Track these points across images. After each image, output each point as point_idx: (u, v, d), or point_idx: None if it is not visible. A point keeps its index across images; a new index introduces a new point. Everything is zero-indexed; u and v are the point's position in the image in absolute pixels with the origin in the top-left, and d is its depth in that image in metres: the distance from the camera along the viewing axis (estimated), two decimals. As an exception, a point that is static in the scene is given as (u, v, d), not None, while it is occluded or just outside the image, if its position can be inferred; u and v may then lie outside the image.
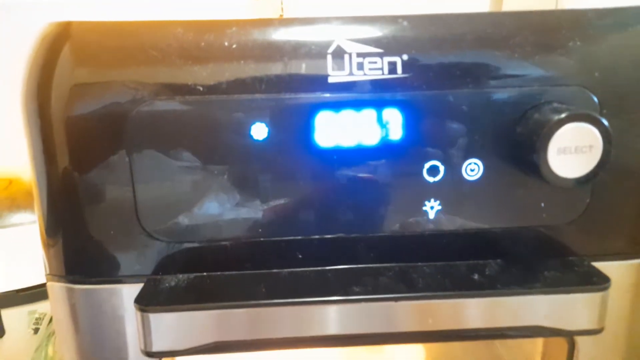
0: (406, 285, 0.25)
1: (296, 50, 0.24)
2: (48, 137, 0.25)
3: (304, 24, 0.25)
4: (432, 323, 0.25)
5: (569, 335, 0.29)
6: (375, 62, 0.24)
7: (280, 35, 0.24)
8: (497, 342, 0.41)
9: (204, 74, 0.24)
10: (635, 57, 0.25)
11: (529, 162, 0.24)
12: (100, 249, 0.26)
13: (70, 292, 0.27)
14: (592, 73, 0.25)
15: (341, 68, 0.24)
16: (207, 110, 0.24)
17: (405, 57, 0.24)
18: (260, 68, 0.24)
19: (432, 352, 0.44)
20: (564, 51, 0.25)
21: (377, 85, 0.24)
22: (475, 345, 0.43)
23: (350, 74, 0.24)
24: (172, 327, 0.24)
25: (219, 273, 0.27)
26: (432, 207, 0.26)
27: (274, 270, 0.27)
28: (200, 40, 0.24)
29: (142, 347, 0.25)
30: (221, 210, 0.25)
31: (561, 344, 0.30)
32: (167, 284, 0.26)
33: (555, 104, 0.24)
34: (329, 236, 0.26)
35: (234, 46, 0.24)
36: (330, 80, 0.24)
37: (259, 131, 0.25)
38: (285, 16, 0.59)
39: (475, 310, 0.25)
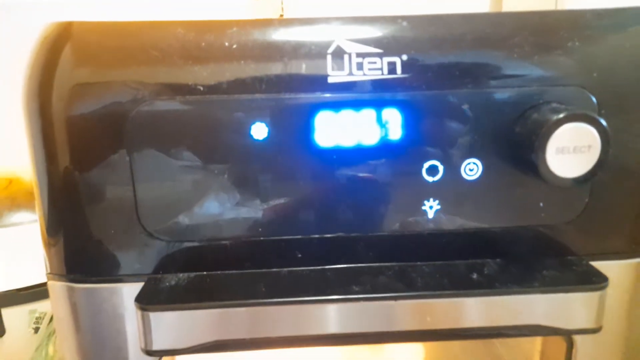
0: (405, 285, 0.25)
1: (296, 50, 0.24)
2: (49, 136, 0.25)
3: (303, 24, 0.25)
4: (431, 322, 0.25)
5: (567, 334, 0.29)
6: (375, 62, 0.24)
7: (280, 35, 0.25)
8: (497, 342, 0.41)
9: (204, 74, 0.24)
10: (634, 58, 0.25)
11: (528, 162, 0.24)
12: (100, 248, 0.26)
13: (71, 291, 0.27)
14: (590, 73, 0.25)
15: (341, 68, 0.24)
16: (207, 110, 0.24)
17: (404, 57, 0.24)
18: (260, 68, 0.24)
19: (432, 351, 0.44)
20: (563, 51, 0.25)
21: (377, 85, 0.24)
22: (475, 345, 0.43)
23: (350, 74, 0.24)
24: (173, 325, 0.24)
25: (219, 272, 0.27)
26: (431, 207, 0.26)
27: (274, 270, 0.27)
28: (200, 40, 0.24)
29: (143, 346, 0.25)
30: (221, 209, 0.25)
31: (560, 343, 0.31)
32: (167, 283, 0.26)
33: (554, 104, 0.24)
34: (328, 235, 0.26)
35: (235, 46, 0.24)
36: (330, 80, 0.24)
37: (259, 131, 0.25)
38: (285, 16, 0.60)
39: (474, 310, 0.25)
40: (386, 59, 0.24)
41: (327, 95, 0.24)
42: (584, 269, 0.27)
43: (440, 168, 0.26)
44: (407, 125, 0.25)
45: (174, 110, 0.24)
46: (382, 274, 0.26)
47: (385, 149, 0.25)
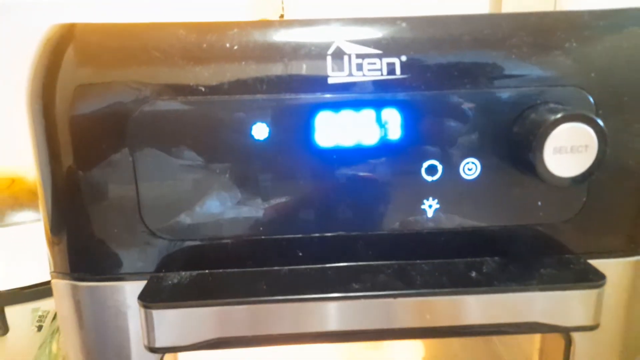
0: (405, 283, 0.26)
1: (296, 51, 0.25)
2: (52, 136, 0.25)
3: (303, 26, 0.25)
4: (430, 319, 0.25)
5: (565, 332, 0.29)
6: (374, 63, 0.25)
7: (280, 36, 0.25)
8: (496, 339, 0.42)
9: (205, 75, 0.24)
10: (631, 58, 0.25)
11: (526, 162, 0.24)
12: (104, 247, 0.26)
13: (74, 289, 0.27)
14: (588, 74, 0.25)
15: (341, 69, 0.25)
16: (208, 110, 0.25)
17: (403, 58, 0.25)
18: (261, 69, 0.24)
19: (431, 349, 0.44)
20: (561, 52, 0.25)
21: (376, 85, 0.25)
22: (474, 343, 0.43)
23: (350, 74, 0.25)
24: (175, 323, 0.25)
25: (220, 270, 0.27)
26: (430, 206, 0.26)
27: (275, 268, 0.27)
28: (202, 41, 0.24)
29: (146, 343, 0.25)
30: (223, 208, 0.26)
31: (558, 340, 0.31)
32: (169, 281, 0.26)
33: (551, 104, 0.24)
34: (329, 234, 0.27)
35: (236, 47, 0.24)
36: (330, 81, 0.25)
37: (260, 131, 0.25)
38: (285, 16, 0.60)
39: (472, 307, 0.25)
40: (385, 60, 0.25)
41: (327, 95, 0.25)
42: (581, 267, 0.27)
43: (439, 168, 0.26)
44: (407, 125, 0.25)
45: (175, 110, 0.25)
46: (382, 272, 0.27)
47: (384, 148, 0.25)
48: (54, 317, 0.50)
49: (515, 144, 0.25)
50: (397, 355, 0.44)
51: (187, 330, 0.25)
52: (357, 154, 0.25)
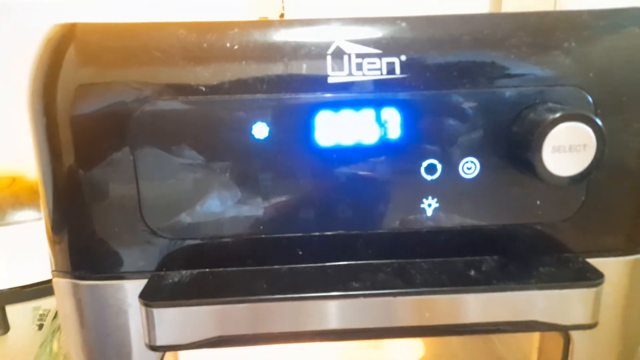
0: (404, 281, 0.26)
1: (296, 51, 0.25)
2: (54, 136, 0.25)
3: (303, 25, 0.25)
4: (430, 318, 0.25)
5: (564, 330, 0.29)
6: (374, 63, 0.25)
7: (280, 36, 0.25)
8: (495, 338, 0.42)
9: (206, 75, 0.24)
10: (630, 58, 0.26)
11: (525, 161, 0.24)
12: (105, 246, 0.26)
13: (75, 288, 0.27)
14: (587, 73, 0.25)
15: (341, 68, 0.25)
16: (209, 110, 0.25)
17: (403, 57, 0.25)
18: (261, 68, 0.25)
19: (431, 348, 0.45)
20: (560, 52, 0.25)
21: (376, 85, 0.25)
22: (473, 342, 0.43)
23: (350, 74, 0.25)
24: (176, 321, 0.25)
25: (221, 269, 0.27)
26: (429, 205, 0.27)
27: (275, 267, 0.27)
28: (202, 41, 0.25)
29: (147, 342, 0.25)
30: (223, 207, 0.26)
31: (557, 339, 0.31)
32: (170, 280, 0.26)
33: (550, 104, 0.24)
34: (328, 233, 0.27)
35: (236, 47, 0.25)
36: (330, 80, 0.25)
37: (260, 130, 0.25)
38: (286, 15, 0.60)
39: (471, 306, 0.26)
40: (385, 60, 0.25)
41: (327, 95, 0.25)
42: (580, 266, 0.27)
43: (439, 167, 0.26)
44: (406, 124, 0.25)
45: (176, 110, 0.25)
46: (381, 271, 0.27)
47: (384, 148, 0.26)
48: (55, 316, 0.50)
49: (514, 144, 0.25)
50: (396, 354, 0.44)
51: (187, 329, 0.25)
52: (356, 153, 0.26)
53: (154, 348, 0.25)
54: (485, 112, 0.25)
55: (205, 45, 0.25)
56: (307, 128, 0.25)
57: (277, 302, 0.25)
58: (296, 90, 0.25)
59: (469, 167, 0.26)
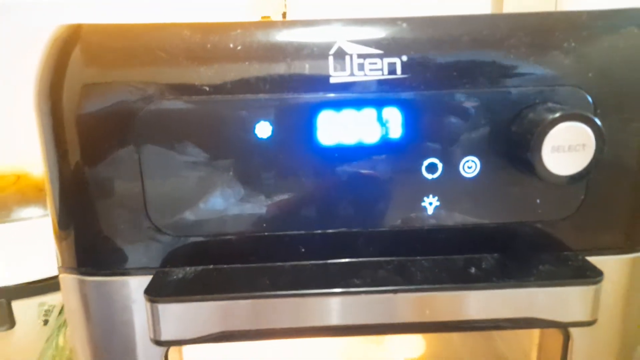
0: (405, 278, 0.26)
1: (299, 51, 0.25)
2: (60, 135, 0.25)
3: (306, 26, 0.25)
4: (430, 314, 0.26)
5: (563, 327, 0.29)
6: (376, 63, 0.25)
7: (283, 37, 0.25)
8: (495, 335, 0.42)
9: (210, 75, 0.25)
10: (629, 58, 0.26)
11: (524, 160, 0.24)
12: (110, 243, 0.27)
13: (81, 283, 0.28)
14: (586, 74, 0.25)
15: (342, 69, 0.25)
16: (213, 109, 0.25)
17: (404, 58, 0.25)
18: (264, 69, 0.25)
19: (432, 345, 0.45)
20: (559, 52, 0.25)
21: (377, 85, 0.25)
22: (474, 338, 0.44)
23: (351, 74, 0.25)
24: (180, 317, 0.25)
25: (224, 266, 0.27)
26: (430, 203, 0.27)
27: (278, 264, 0.27)
28: (206, 41, 0.25)
29: (152, 336, 0.26)
30: (227, 205, 0.26)
31: (556, 336, 0.31)
32: (175, 276, 0.27)
33: (549, 104, 0.25)
34: (330, 231, 0.27)
35: (239, 47, 0.25)
36: (332, 80, 0.25)
37: (263, 130, 0.25)
38: (288, 14, 0.60)
39: (471, 303, 0.26)
40: (386, 60, 0.25)
41: (329, 95, 0.25)
42: (579, 264, 0.27)
43: (440, 166, 0.26)
44: (407, 124, 0.26)
45: (180, 109, 0.25)
46: (382, 268, 0.27)
47: (385, 147, 0.26)
48: (60, 312, 0.51)
49: (514, 143, 0.25)
50: (398, 350, 0.45)
51: (191, 324, 0.25)
52: (358, 152, 0.26)
53: (158, 343, 0.26)
54: (485, 111, 0.25)
55: (208, 45, 0.25)
56: (309, 127, 0.25)
57: (279, 299, 0.25)
58: (299, 90, 0.25)
59: (470, 166, 0.26)
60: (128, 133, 0.25)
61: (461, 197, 0.27)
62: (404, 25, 0.26)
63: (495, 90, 0.25)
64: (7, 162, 0.57)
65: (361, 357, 0.43)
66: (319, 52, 0.25)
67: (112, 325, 0.28)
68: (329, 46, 0.25)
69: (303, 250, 0.27)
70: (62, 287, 0.28)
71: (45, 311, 0.51)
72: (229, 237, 0.27)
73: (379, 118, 0.25)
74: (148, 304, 0.25)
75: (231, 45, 0.25)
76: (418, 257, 0.28)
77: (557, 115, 0.23)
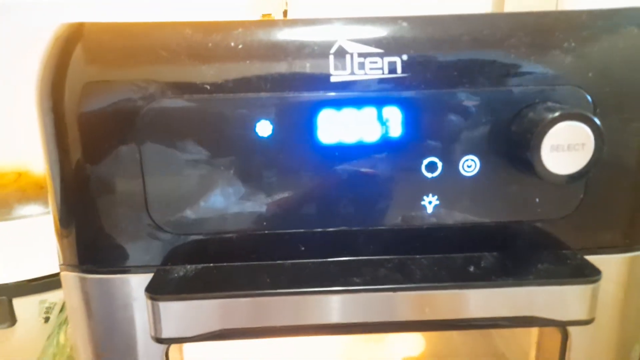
0: (404, 277, 0.26)
1: (300, 50, 0.25)
2: (62, 133, 0.25)
3: (306, 25, 0.26)
4: (429, 312, 0.26)
5: (561, 325, 0.29)
6: (376, 62, 0.25)
7: (284, 35, 0.25)
8: (494, 333, 0.42)
9: (211, 73, 0.25)
10: (629, 58, 0.26)
11: (524, 159, 0.24)
12: (111, 240, 0.27)
13: (83, 281, 0.28)
14: (586, 73, 0.26)
15: (343, 68, 0.25)
16: (214, 108, 0.25)
17: (404, 57, 0.25)
18: (265, 67, 0.25)
19: (432, 344, 0.45)
20: (559, 52, 0.25)
21: (378, 84, 0.25)
22: (473, 336, 0.44)
23: (352, 73, 0.25)
24: (181, 314, 0.25)
25: (225, 264, 0.28)
26: (430, 202, 0.27)
27: (278, 262, 0.28)
28: (207, 40, 0.25)
29: (153, 334, 0.26)
30: (227, 203, 0.26)
31: (555, 334, 0.31)
32: (175, 274, 0.27)
33: (549, 103, 0.25)
34: (330, 229, 0.27)
35: (240, 46, 0.25)
36: (333, 79, 0.25)
37: (264, 128, 0.25)
38: (289, 13, 0.60)
39: (470, 301, 0.26)
40: (387, 59, 0.25)
41: (330, 93, 0.25)
42: (578, 262, 0.27)
43: (439, 164, 0.26)
44: (407, 123, 0.26)
45: (182, 107, 0.25)
46: (382, 266, 0.27)
47: (385, 146, 0.26)
48: (61, 309, 0.51)
49: (513, 142, 0.25)
50: (397, 349, 0.45)
51: (192, 322, 0.25)
52: (358, 151, 0.26)
53: (159, 340, 0.26)
54: (485, 111, 0.26)
55: (210, 44, 0.25)
56: (309, 126, 0.25)
57: (279, 297, 0.25)
58: (299, 89, 0.25)
59: (469, 165, 0.26)
60: (129, 131, 0.25)
61: (461, 196, 0.27)
62: (405, 24, 0.26)
63: (495, 90, 0.25)
64: (8, 159, 0.57)
65: (361, 355, 0.44)
66: (320, 51, 0.25)
67: (113, 322, 0.28)
68: (329, 45, 0.25)
69: (303, 248, 0.28)
70: (63, 285, 0.29)
71: (47, 309, 0.51)
72: (229, 235, 0.27)
73: (379, 117, 0.26)
74: (149, 302, 0.25)
75: (232, 44, 0.25)
76: (418, 256, 0.28)
77: (557, 114, 0.23)
